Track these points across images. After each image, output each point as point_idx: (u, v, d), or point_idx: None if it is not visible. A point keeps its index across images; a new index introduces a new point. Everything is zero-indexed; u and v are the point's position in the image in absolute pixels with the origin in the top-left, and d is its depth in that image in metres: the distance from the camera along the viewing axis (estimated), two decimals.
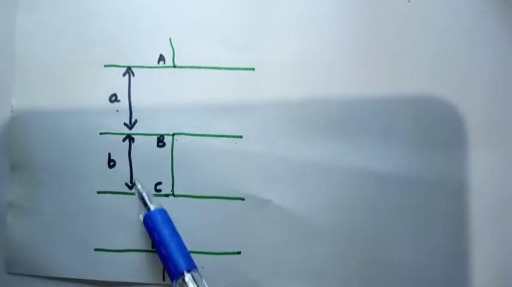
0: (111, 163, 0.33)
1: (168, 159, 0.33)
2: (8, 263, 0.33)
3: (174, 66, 0.33)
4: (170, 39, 0.33)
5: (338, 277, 0.32)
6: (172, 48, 0.33)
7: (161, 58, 0.33)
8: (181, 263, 0.29)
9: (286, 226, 0.32)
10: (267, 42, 0.33)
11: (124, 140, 0.33)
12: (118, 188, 0.33)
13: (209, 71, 0.33)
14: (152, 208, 0.31)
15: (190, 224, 0.32)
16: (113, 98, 0.33)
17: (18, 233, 0.33)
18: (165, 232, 0.30)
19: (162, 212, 0.31)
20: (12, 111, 0.33)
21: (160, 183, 0.33)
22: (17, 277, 0.33)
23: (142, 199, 0.31)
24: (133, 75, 0.33)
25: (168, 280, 0.32)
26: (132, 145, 0.33)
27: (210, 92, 0.33)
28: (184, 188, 0.33)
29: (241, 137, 0.32)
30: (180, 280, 0.28)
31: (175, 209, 0.32)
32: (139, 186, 0.32)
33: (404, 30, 0.33)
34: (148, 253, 0.32)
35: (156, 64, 0.33)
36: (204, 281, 0.29)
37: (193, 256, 0.30)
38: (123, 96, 0.33)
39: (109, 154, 0.33)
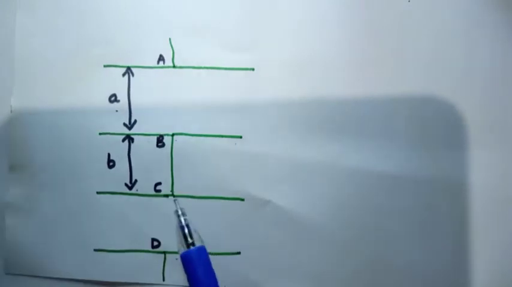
0: (111, 163, 0.33)
1: (167, 159, 0.33)
2: (6, 264, 0.33)
3: (174, 67, 0.33)
4: (170, 39, 0.33)
5: (338, 277, 0.32)
6: (172, 49, 0.33)
7: (161, 58, 0.33)
8: None
9: (286, 226, 0.32)
10: (267, 42, 0.33)
11: (123, 140, 0.33)
12: (117, 188, 0.33)
13: (209, 71, 0.33)
14: (194, 244, 0.31)
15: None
16: (113, 98, 0.33)
17: (17, 233, 0.33)
18: (201, 275, 0.30)
19: (202, 250, 0.31)
20: (11, 111, 0.33)
21: (160, 183, 0.33)
22: (16, 278, 0.33)
23: (183, 232, 0.31)
24: (132, 75, 0.33)
25: (168, 280, 0.32)
26: (132, 145, 0.33)
27: (210, 92, 0.33)
28: (183, 188, 0.32)
29: (241, 137, 0.32)
30: None
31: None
32: (182, 218, 0.31)
33: (404, 30, 0.32)
34: (147, 253, 0.32)
35: (156, 64, 0.33)
36: None
37: None
38: (122, 97, 0.33)
39: (108, 154, 0.33)
